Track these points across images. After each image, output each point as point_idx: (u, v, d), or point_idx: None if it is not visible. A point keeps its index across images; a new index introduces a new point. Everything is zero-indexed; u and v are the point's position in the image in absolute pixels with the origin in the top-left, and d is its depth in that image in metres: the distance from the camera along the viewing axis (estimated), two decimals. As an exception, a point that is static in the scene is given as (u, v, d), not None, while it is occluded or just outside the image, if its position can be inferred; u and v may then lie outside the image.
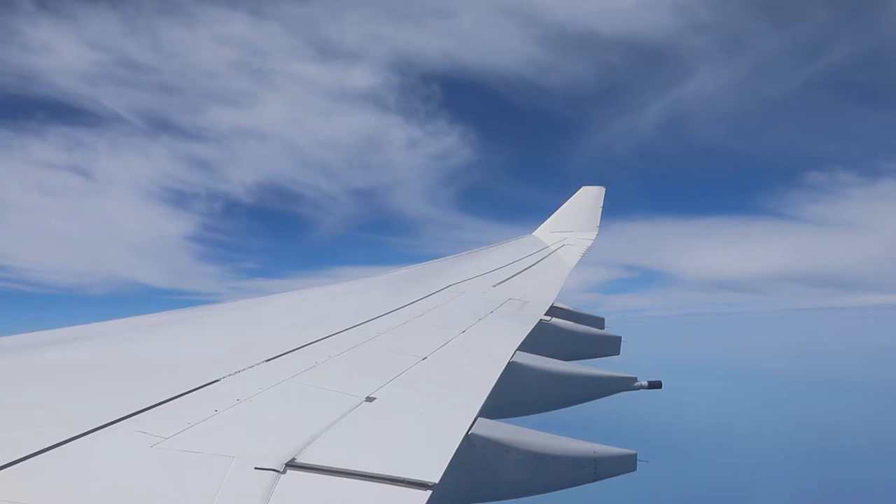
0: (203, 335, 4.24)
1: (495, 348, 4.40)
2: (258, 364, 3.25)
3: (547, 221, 12.56)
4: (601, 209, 12.63)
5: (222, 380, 2.92)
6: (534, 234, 12.13)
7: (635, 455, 3.80)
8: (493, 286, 7.14)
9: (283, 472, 2.07)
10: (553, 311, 6.33)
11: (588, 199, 13.00)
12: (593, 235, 11.60)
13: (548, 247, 10.70)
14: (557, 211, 12.88)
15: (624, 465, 3.75)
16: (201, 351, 3.72)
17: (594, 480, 3.60)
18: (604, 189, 13.34)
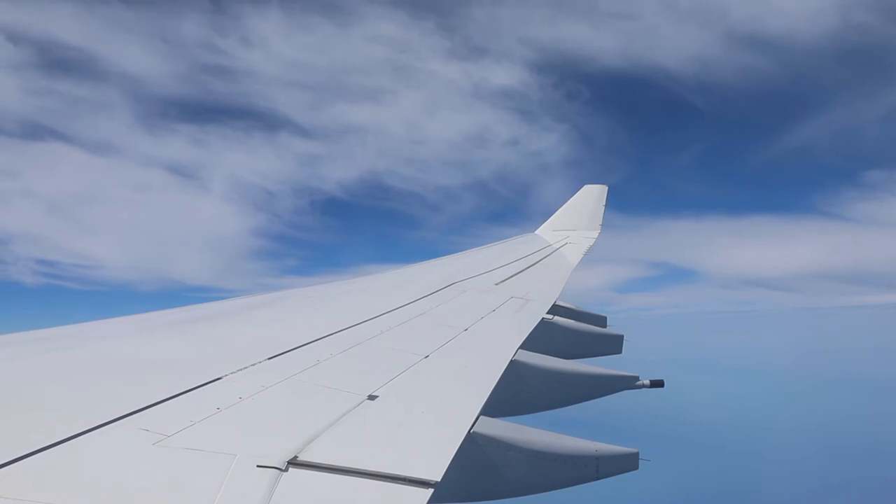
0: (205, 333, 4.24)
1: (497, 347, 4.40)
2: (260, 362, 3.25)
3: (549, 220, 12.56)
4: (603, 208, 12.65)
5: (224, 378, 2.92)
6: (536, 232, 12.13)
7: (637, 454, 3.79)
8: (496, 284, 7.14)
9: (286, 469, 2.07)
10: (555, 309, 6.33)
11: (590, 198, 13.01)
12: (595, 234, 11.62)
13: (550, 245, 10.70)
14: (560, 209, 12.88)
15: (626, 463, 3.74)
16: (203, 349, 3.72)
17: (596, 479, 3.60)
18: (606, 188, 13.36)
